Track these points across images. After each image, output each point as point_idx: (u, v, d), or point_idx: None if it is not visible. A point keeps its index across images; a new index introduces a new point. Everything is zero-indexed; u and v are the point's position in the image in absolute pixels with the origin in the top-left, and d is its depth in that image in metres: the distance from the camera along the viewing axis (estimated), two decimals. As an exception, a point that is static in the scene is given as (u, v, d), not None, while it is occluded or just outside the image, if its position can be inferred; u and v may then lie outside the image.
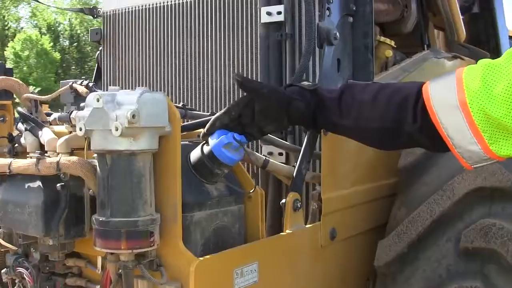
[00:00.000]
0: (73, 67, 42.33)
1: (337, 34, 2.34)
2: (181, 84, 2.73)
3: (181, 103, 2.25)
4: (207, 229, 1.81)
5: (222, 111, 1.85)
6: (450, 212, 2.17)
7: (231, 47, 2.57)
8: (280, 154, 2.38)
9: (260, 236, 2.00)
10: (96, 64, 3.11)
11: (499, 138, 1.48)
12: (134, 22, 2.90)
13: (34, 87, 32.68)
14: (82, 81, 1.92)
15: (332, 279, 2.31)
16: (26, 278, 1.83)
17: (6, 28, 44.58)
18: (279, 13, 2.36)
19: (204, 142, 1.85)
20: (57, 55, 41.45)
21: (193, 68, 2.69)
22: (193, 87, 2.68)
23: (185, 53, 2.72)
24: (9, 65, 38.45)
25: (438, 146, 1.60)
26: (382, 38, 2.99)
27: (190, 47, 2.69)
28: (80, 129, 1.60)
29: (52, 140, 1.81)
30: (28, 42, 39.72)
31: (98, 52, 3.07)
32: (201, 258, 1.67)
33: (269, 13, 2.37)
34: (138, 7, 2.87)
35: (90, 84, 1.91)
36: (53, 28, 45.07)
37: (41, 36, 41.63)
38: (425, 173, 2.36)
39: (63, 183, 1.72)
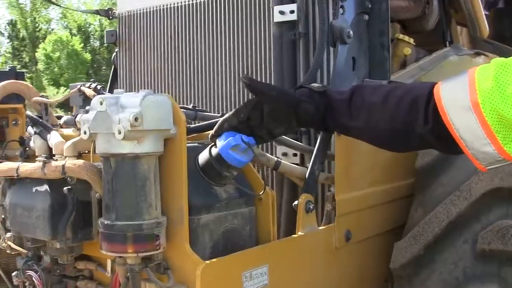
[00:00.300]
0: (104, 68, 42.66)
1: (351, 32, 2.30)
2: (195, 85, 2.71)
3: (192, 105, 2.23)
4: (215, 231, 1.79)
5: (231, 112, 1.82)
6: (467, 213, 2.12)
7: (244, 47, 2.54)
8: (295, 155, 2.35)
9: (272, 239, 1.97)
10: (113, 66, 3.11)
11: None
12: (149, 23, 2.89)
13: (65, 88, 33.15)
14: (91, 84, 1.92)
15: (348, 281, 2.28)
16: (35, 281, 1.83)
17: (37, 30, 45.23)
18: (292, 12, 2.33)
19: (213, 144, 1.83)
20: (87, 56, 41.95)
21: (207, 69, 2.67)
22: (208, 88, 2.67)
23: (199, 54, 2.70)
24: (40, 66, 39.16)
25: (451, 147, 1.56)
26: (401, 36, 2.94)
27: (204, 47, 2.68)
28: (85, 133, 1.60)
29: (60, 144, 1.81)
30: (59, 43, 40.27)
31: (114, 53, 3.08)
32: (207, 261, 1.65)
33: (282, 12, 2.35)
34: (152, 8, 2.86)
35: (99, 87, 1.91)
36: (83, 29, 45.56)
37: (71, 37, 42.17)
38: (442, 174, 2.32)
39: (70, 187, 1.72)
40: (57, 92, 32.70)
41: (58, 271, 1.91)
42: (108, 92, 3.07)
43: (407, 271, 2.22)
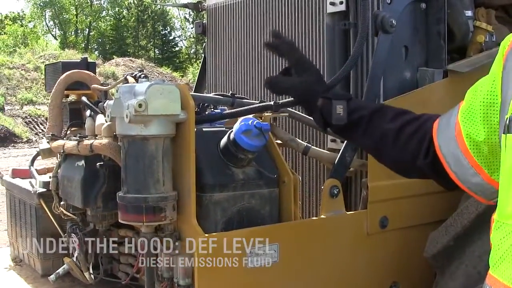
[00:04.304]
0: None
1: (394, 22, 2.31)
2: (262, 73, 2.86)
3: (230, 92, 2.39)
4: (229, 209, 1.94)
5: None
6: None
7: (302, 36, 2.64)
8: (342, 141, 2.42)
9: (293, 220, 2.08)
10: (203, 54, 3.34)
11: (498, 165, 1.26)
12: (230, 14, 3.08)
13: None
14: (136, 74, 2.14)
15: (381, 268, 2.30)
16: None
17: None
18: (341, 2, 2.40)
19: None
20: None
21: (271, 58, 2.81)
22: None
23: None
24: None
25: (450, 183, 1.46)
26: (478, 23, 2.85)
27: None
28: (108, 116, 1.85)
29: (100, 125, 2.07)
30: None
31: (205, 43, 3.31)
32: (209, 234, 1.82)
33: (332, 3, 2.42)
34: (234, 0, 3.03)
35: (142, 76, 2.13)
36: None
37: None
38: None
39: (102, 163, 1.98)
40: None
41: (104, 236, 2.18)
42: (197, 79, 3.35)
43: (440, 261, 2.21)
